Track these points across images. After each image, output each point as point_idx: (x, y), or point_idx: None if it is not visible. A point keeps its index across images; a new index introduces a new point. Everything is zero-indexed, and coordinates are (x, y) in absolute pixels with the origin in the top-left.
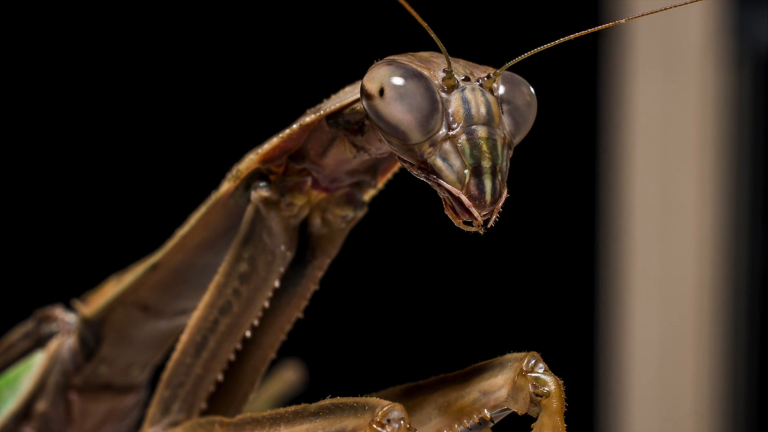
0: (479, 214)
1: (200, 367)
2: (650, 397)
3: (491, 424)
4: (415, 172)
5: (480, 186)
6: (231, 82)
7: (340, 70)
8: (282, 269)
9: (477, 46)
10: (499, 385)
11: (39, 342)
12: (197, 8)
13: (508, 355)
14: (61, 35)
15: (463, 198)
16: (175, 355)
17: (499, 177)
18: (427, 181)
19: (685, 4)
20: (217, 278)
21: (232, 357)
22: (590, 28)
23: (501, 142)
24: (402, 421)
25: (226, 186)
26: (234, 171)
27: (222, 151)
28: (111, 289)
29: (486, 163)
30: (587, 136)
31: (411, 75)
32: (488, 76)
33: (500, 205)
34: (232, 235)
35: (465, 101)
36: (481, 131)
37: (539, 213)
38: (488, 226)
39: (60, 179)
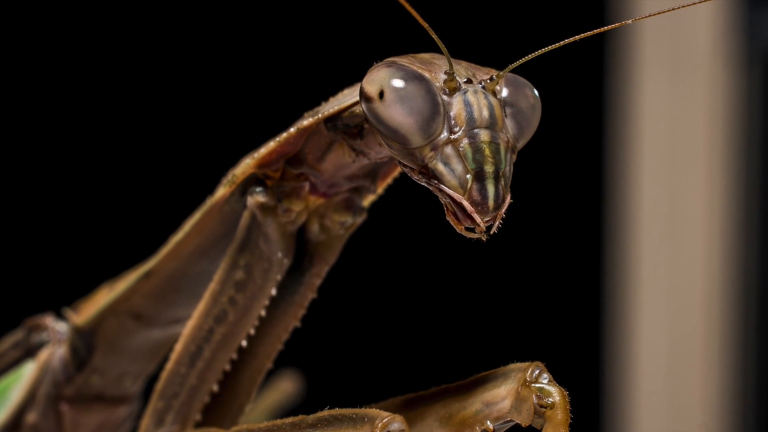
0: (482, 220)
1: (195, 378)
2: (658, 409)
3: None
4: (415, 177)
5: (482, 191)
6: (226, 85)
7: (339, 72)
8: (279, 277)
9: (479, 48)
10: (502, 395)
11: (29, 352)
12: (194, 9)
13: (512, 365)
14: (60, 35)
15: (465, 204)
16: (169, 365)
17: (503, 182)
18: (428, 187)
19: (693, 4)
20: (213, 286)
21: (227, 367)
22: (596, 28)
23: (504, 146)
24: None
25: (222, 191)
26: (229, 176)
27: (217, 155)
28: (103, 298)
29: (489, 168)
30: (593, 139)
31: (411, 77)
32: (491, 78)
33: (503, 211)
34: (227, 242)
35: (467, 104)
36: (484, 135)
37: (544, 219)
38: (491, 232)
39: (51, 184)
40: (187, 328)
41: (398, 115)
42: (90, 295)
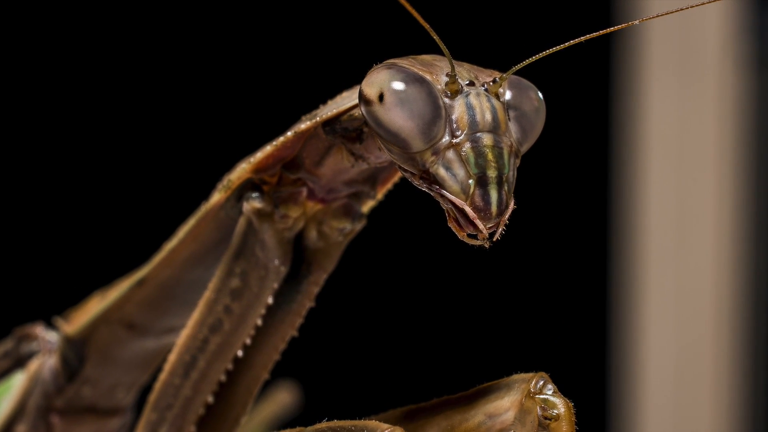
0: (484, 226)
1: (189, 389)
2: (665, 421)
3: None
4: (416, 182)
5: (485, 197)
6: (222, 88)
7: (338, 74)
8: (276, 285)
9: (482, 49)
10: (506, 407)
11: (18, 362)
12: (190, 10)
13: (515, 376)
14: (58, 36)
15: (468, 209)
16: (162, 376)
17: (506, 187)
18: (429, 192)
19: (702, 4)
20: (207, 294)
21: (222, 378)
22: (602, 29)
23: (507, 150)
24: None
25: (217, 197)
26: (225, 181)
27: (212, 159)
28: (95, 306)
29: (492, 173)
30: (599, 143)
31: (412, 79)
32: (494, 81)
33: (507, 217)
34: (223, 249)
35: (469, 107)
36: (487, 139)
37: (548, 225)
38: (494, 239)
39: (40, 190)
40: (182, 338)
41: (398, 118)
42: (81, 304)
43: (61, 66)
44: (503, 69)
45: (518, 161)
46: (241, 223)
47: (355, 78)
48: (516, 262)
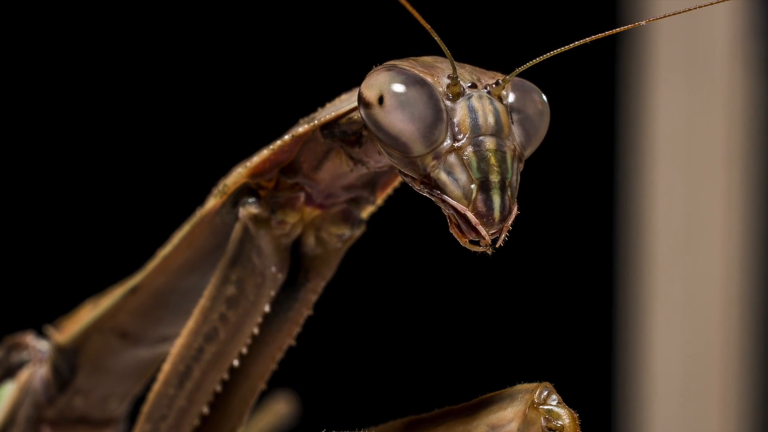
0: (487, 232)
1: (184, 399)
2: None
3: None
4: (417, 187)
5: (488, 202)
6: (217, 90)
7: (336, 76)
8: (272, 293)
9: (484, 50)
10: (509, 418)
11: (9, 372)
12: (186, 10)
13: (519, 386)
14: (56, 37)
15: (470, 215)
16: (156, 386)
17: (509, 192)
18: (430, 197)
19: (710, 4)
20: (203, 302)
21: (218, 388)
22: (608, 30)
23: (511, 154)
24: None
25: (212, 202)
26: (220, 186)
27: (208, 164)
28: (87, 315)
29: (494, 178)
30: (604, 147)
31: (413, 81)
32: (497, 83)
33: (510, 222)
34: (218, 256)
35: (471, 110)
36: (489, 143)
37: (553, 232)
38: (497, 245)
39: (30, 196)
40: (176, 347)
41: (399, 121)
42: (73, 312)
43: (46, 79)
44: (506, 71)
45: (522, 166)
46: (237, 229)
47: (354, 80)
48: (519, 268)
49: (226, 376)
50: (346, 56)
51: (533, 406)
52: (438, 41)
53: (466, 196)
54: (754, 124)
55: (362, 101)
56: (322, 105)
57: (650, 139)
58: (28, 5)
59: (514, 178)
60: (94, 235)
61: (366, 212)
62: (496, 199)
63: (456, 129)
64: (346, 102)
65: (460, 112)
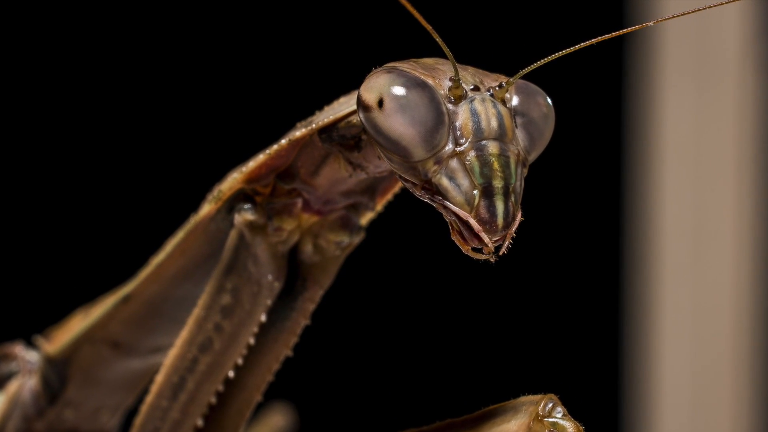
0: (490, 239)
1: (177, 412)
2: None
3: None
4: (418, 193)
5: (491, 208)
6: (212, 93)
7: (335, 79)
8: (269, 302)
9: (488, 52)
10: (513, 431)
11: None
12: (182, 12)
13: (523, 398)
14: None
15: (472, 222)
16: (149, 398)
17: (513, 198)
18: (431, 203)
19: (720, 4)
20: (197, 311)
21: (213, 400)
22: (615, 30)
23: (514, 159)
24: None
25: (207, 208)
26: (215, 192)
27: (202, 169)
28: (77, 324)
29: (497, 183)
30: (611, 151)
31: (413, 84)
32: (500, 86)
33: (513, 229)
34: (213, 264)
35: (474, 113)
36: (492, 147)
37: (558, 238)
38: (500, 253)
39: (18, 201)
40: (169, 358)
41: (399, 125)
42: (63, 322)
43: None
44: (510, 73)
45: (526, 171)
46: (233, 236)
47: (353, 82)
48: (523, 277)
49: (221, 387)
50: (345, 58)
51: (538, 418)
52: (439, 42)
53: (469, 202)
54: (765, 129)
55: (361, 104)
56: (320, 108)
57: (658, 144)
58: (28, 5)
59: (518, 183)
60: (85, 243)
61: (365, 219)
62: (500, 206)
63: (458, 133)
64: (344, 105)
65: (463, 116)
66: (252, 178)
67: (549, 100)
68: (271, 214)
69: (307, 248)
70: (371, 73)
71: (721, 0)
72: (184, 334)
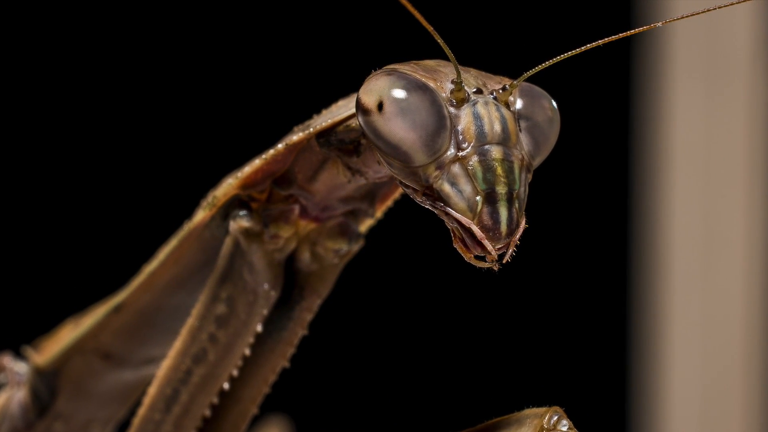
0: (493, 247)
1: (171, 425)
2: None
3: None
4: (419, 199)
5: (494, 215)
6: (206, 96)
7: (333, 81)
8: (265, 311)
9: (491, 53)
10: None
11: None
12: (177, 13)
13: (527, 411)
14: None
15: (475, 229)
16: (141, 411)
17: (516, 205)
18: (433, 210)
19: (731, 5)
20: (191, 321)
21: (207, 413)
22: (622, 31)
23: (518, 164)
24: None
25: (201, 215)
26: (209, 198)
27: (196, 175)
28: (67, 335)
29: (501, 189)
30: (618, 156)
31: (414, 87)
32: (504, 88)
33: (517, 237)
34: (207, 272)
35: (477, 117)
36: (496, 152)
37: (563, 245)
38: (504, 261)
39: (6, 208)
40: (162, 369)
41: (399, 129)
42: (53, 332)
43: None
44: (514, 75)
45: (530, 176)
46: (228, 243)
47: (352, 85)
48: (528, 285)
49: (215, 400)
50: (344, 60)
51: (543, 431)
52: (441, 44)
53: (471, 209)
54: None
55: (360, 108)
56: (318, 112)
57: (667, 148)
58: (28, 5)
59: (522, 189)
60: (76, 251)
61: (364, 226)
62: (503, 212)
63: (460, 137)
64: (343, 108)
65: (465, 120)
66: (248, 184)
67: (554, 104)
68: (267, 220)
69: (305, 256)
70: (370, 75)
71: (731, 0)
72: (177, 344)
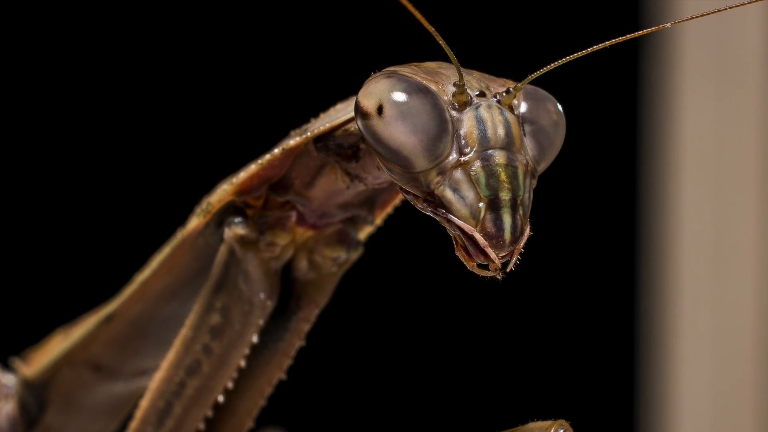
0: (497, 255)
1: None
2: None
3: None
4: (420, 206)
5: (497, 222)
6: (199, 99)
7: (332, 84)
8: (261, 321)
9: (494, 55)
10: None
11: None
12: (173, 15)
13: (532, 424)
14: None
15: (478, 236)
16: (133, 424)
17: (521, 211)
18: (434, 217)
19: (742, 5)
20: (184, 332)
21: (201, 426)
22: (630, 32)
23: (522, 169)
24: None
25: (195, 222)
26: (204, 204)
27: (190, 180)
28: (57, 346)
29: (505, 195)
30: (626, 161)
31: (415, 89)
32: (507, 91)
33: (522, 244)
34: (201, 281)
35: (480, 121)
36: (499, 157)
37: (569, 253)
38: (507, 269)
39: None
40: (155, 381)
41: (400, 133)
42: (42, 343)
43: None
44: (518, 78)
45: (535, 182)
46: (222, 251)
47: (351, 88)
48: (533, 294)
49: (209, 413)
50: (343, 62)
51: None
52: (443, 45)
53: (474, 216)
54: None
55: (360, 111)
56: (316, 115)
57: (677, 153)
58: (28, 5)
59: (527, 195)
60: (65, 260)
61: (363, 233)
62: (507, 219)
63: (463, 142)
64: (341, 112)
65: (467, 124)
66: (243, 190)
67: (559, 107)
68: (263, 228)
69: (302, 264)
70: (370, 77)
71: (742, 0)
72: (170, 356)
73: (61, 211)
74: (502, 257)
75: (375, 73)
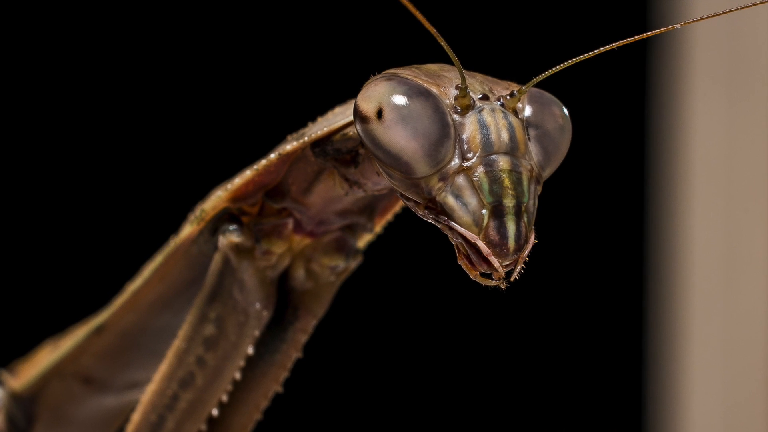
0: (500, 264)
1: None
2: None
3: None
4: (421, 213)
5: (501, 230)
6: (193, 101)
7: (330, 87)
8: (257, 332)
9: (498, 57)
10: None
11: None
12: (171, 16)
13: None
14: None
15: (481, 244)
16: None
17: (525, 218)
18: (435, 224)
19: (754, 5)
20: (177, 343)
21: None
22: (638, 34)
23: (527, 175)
24: None
25: (188, 230)
26: (197, 211)
27: (183, 186)
28: (46, 358)
29: (508, 202)
30: (634, 166)
31: (416, 93)
32: (511, 94)
33: (526, 253)
34: (195, 291)
35: (483, 125)
36: (503, 162)
37: (575, 262)
38: (511, 279)
39: None
40: (147, 394)
41: (400, 138)
42: (30, 355)
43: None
44: (522, 81)
45: (540, 188)
46: (217, 260)
47: (350, 91)
48: (538, 304)
49: (203, 427)
50: (341, 64)
51: None
52: (444, 47)
53: (477, 223)
54: None
55: (359, 115)
56: (313, 119)
57: (686, 158)
58: (28, 5)
59: (531, 202)
60: (54, 269)
61: (363, 241)
62: (511, 227)
63: (465, 146)
64: (340, 116)
65: (470, 128)
66: (238, 197)
67: (565, 111)
68: (259, 235)
69: (299, 273)
70: (369, 80)
71: (754, 0)
72: (163, 368)
73: (49, 219)
74: (506, 266)
75: (374, 75)
